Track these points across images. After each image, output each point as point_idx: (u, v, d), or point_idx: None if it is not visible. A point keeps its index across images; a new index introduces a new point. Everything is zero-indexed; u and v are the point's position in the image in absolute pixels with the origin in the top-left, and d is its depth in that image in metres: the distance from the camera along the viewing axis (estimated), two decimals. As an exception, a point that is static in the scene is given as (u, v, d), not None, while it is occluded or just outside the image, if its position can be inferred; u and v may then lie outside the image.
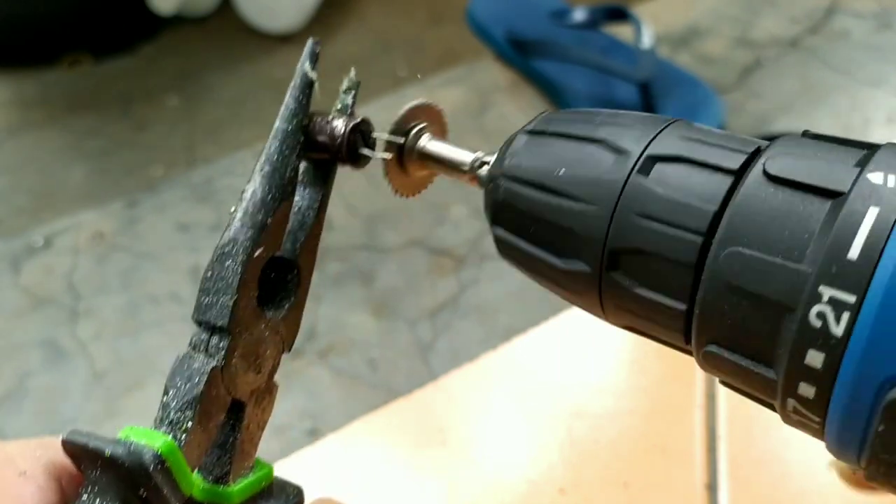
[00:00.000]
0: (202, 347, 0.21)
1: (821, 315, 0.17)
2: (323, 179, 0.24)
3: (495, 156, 0.25)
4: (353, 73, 0.24)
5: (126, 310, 0.90)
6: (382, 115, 1.01)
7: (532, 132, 0.23)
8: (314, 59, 0.24)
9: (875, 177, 0.17)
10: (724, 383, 0.21)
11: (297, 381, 0.82)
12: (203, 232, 0.98)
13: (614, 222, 0.20)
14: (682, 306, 0.20)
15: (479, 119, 1.09)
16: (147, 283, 0.93)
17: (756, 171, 0.19)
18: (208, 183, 1.04)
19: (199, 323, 0.22)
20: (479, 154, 0.25)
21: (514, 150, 0.24)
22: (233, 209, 0.22)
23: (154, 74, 1.41)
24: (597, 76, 1.07)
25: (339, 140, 0.23)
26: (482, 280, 0.90)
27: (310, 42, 0.24)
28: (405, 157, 0.25)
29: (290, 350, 0.24)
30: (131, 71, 1.42)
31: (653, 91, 1.04)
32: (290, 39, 1.45)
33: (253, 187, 0.22)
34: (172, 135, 1.27)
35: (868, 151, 0.18)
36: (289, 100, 0.24)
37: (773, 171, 0.18)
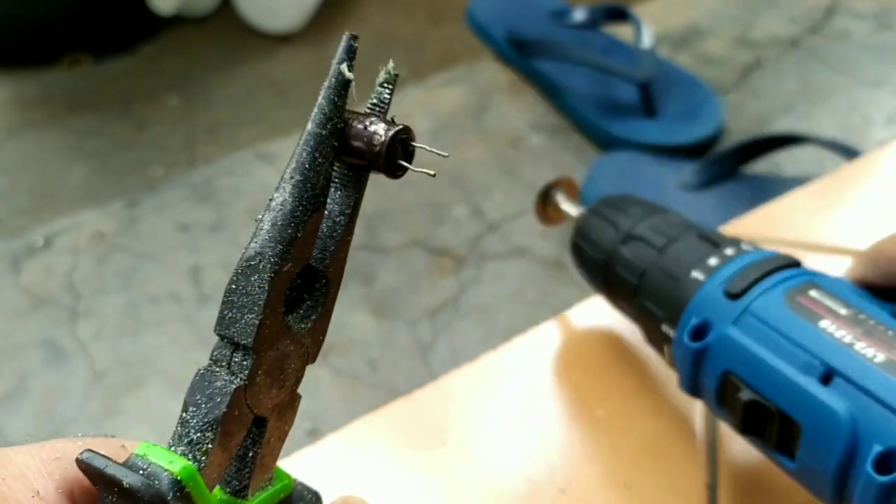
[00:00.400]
0: (224, 363, 0.20)
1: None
2: (355, 183, 0.22)
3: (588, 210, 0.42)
4: (390, 64, 0.22)
5: (126, 310, 0.90)
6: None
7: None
8: (351, 55, 0.22)
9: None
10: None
11: (297, 381, 0.82)
12: (203, 232, 0.98)
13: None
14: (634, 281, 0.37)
15: (480, 119, 1.09)
16: (147, 283, 0.93)
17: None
18: (208, 183, 1.04)
19: (222, 337, 0.20)
20: (584, 210, 0.41)
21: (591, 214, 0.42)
22: (259, 217, 0.20)
23: (154, 74, 1.41)
24: (597, 76, 1.07)
25: (378, 148, 0.21)
26: (482, 280, 0.90)
27: (345, 37, 0.21)
28: (548, 205, 0.44)
29: (314, 361, 0.22)
30: (131, 71, 1.42)
31: (653, 91, 1.04)
32: (290, 39, 1.45)
33: (282, 197, 0.20)
34: (172, 135, 1.27)
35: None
36: (322, 101, 0.21)
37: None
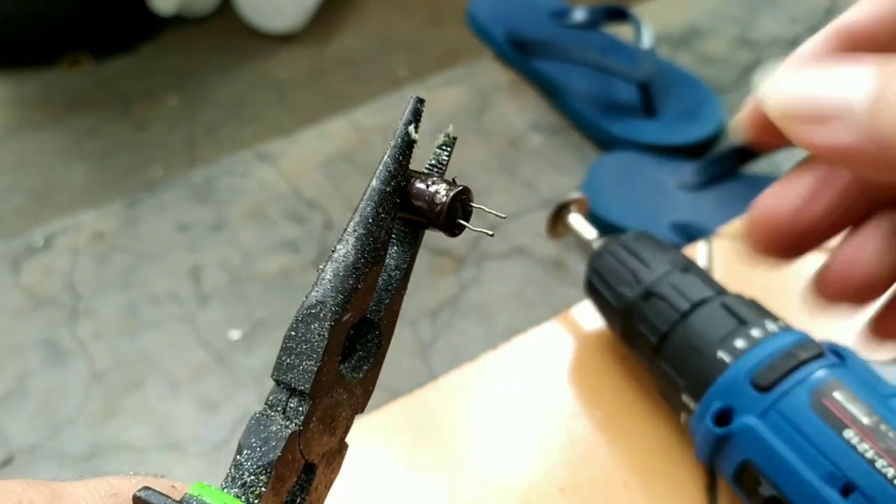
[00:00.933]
0: (280, 409, 0.21)
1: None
2: (411, 238, 0.23)
3: (604, 241, 0.42)
4: (450, 128, 0.22)
5: (126, 310, 0.90)
6: (382, 115, 1.02)
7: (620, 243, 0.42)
8: (417, 117, 0.22)
9: None
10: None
11: (297, 381, 0.82)
12: (203, 232, 0.98)
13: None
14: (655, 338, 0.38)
15: (479, 119, 1.09)
16: (147, 283, 0.93)
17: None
18: (208, 183, 1.04)
19: (279, 382, 0.21)
20: (594, 237, 0.42)
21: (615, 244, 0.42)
22: (321, 267, 0.21)
23: (154, 74, 1.41)
24: (597, 76, 1.07)
25: (438, 208, 0.21)
26: (482, 280, 0.90)
27: (412, 100, 0.22)
28: (558, 221, 0.43)
29: (363, 411, 0.23)
30: (131, 71, 1.42)
31: (653, 91, 1.04)
32: (290, 39, 1.45)
33: (345, 249, 0.21)
34: (172, 135, 1.27)
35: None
36: (388, 159, 0.21)
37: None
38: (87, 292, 0.92)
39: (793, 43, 1.17)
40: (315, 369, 0.20)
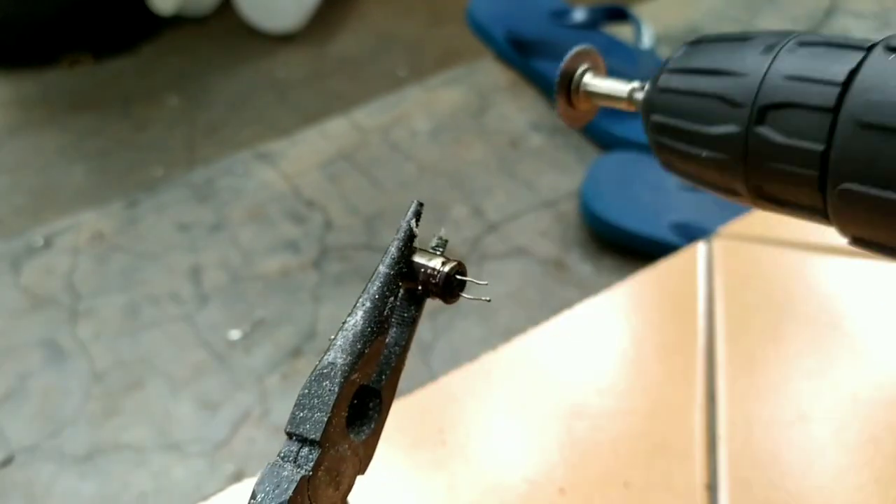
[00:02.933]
0: (291, 458, 0.23)
1: None
2: (414, 308, 0.27)
3: (647, 84, 0.29)
4: (443, 232, 0.28)
5: (126, 310, 0.90)
6: (382, 115, 1.02)
7: (677, 62, 0.28)
8: (418, 217, 0.27)
9: None
10: (856, 240, 0.24)
11: (298, 381, 0.82)
12: (203, 232, 0.98)
13: (764, 84, 0.24)
14: (820, 147, 0.22)
15: (479, 119, 1.09)
16: (147, 283, 0.93)
17: (879, 48, 0.23)
18: (208, 183, 1.04)
19: (291, 435, 0.23)
20: (635, 84, 0.30)
21: (663, 77, 0.28)
22: (332, 337, 0.24)
23: (154, 74, 1.41)
24: (597, 76, 1.07)
25: (436, 280, 0.26)
26: (482, 280, 0.90)
27: (414, 203, 0.27)
28: (572, 94, 0.30)
29: (364, 472, 0.26)
30: (131, 71, 1.42)
31: (653, 91, 1.04)
32: (290, 39, 1.45)
33: (354, 320, 0.24)
34: (172, 135, 1.27)
35: None
36: (393, 249, 0.26)
37: (893, 44, 0.22)
38: (87, 292, 0.92)
39: (793, 43, 1.17)
40: (325, 419, 0.23)
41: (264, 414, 0.79)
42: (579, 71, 0.31)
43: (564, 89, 0.31)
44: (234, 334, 0.87)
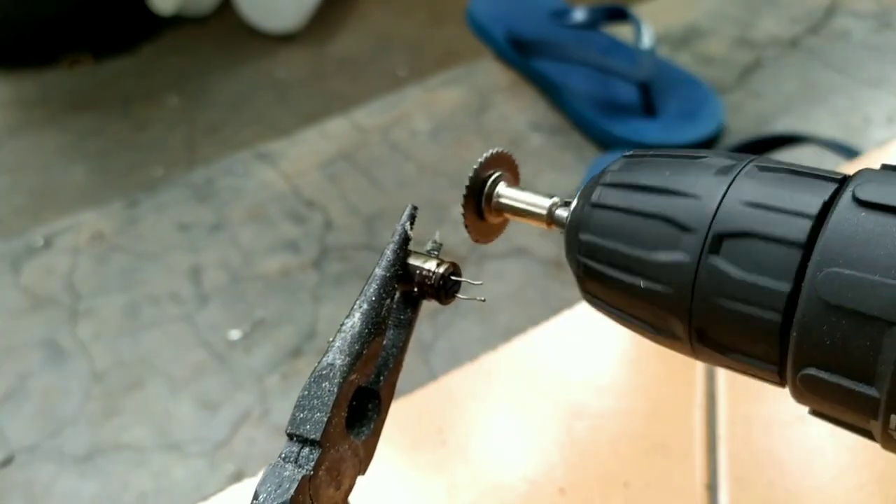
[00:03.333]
0: (292, 459, 0.23)
1: None
2: (410, 310, 0.27)
3: (574, 201, 0.25)
4: (437, 235, 0.28)
5: (126, 310, 0.90)
6: (382, 115, 1.02)
7: (613, 178, 0.24)
8: (412, 220, 0.27)
9: None
10: (815, 413, 0.21)
11: (298, 381, 0.82)
12: (203, 232, 0.98)
13: (721, 208, 0.21)
14: (786, 287, 0.20)
15: (479, 119, 1.09)
16: (147, 283, 0.93)
17: (846, 199, 0.19)
18: (208, 183, 1.04)
19: (292, 436, 0.24)
20: (556, 199, 0.26)
21: (596, 194, 0.24)
22: (331, 339, 0.25)
23: (154, 74, 1.41)
24: (597, 76, 1.07)
25: (431, 282, 0.26)
26: (482, 280, 0.90)
27: (409, 207, 0.27)
28: (483, 205, 0.27)
29: (364, 473, 0.26)
30: (131, 71, 1.42)
31: (653, 91, 1.04)
32: (290, 39, 1.45)
33: (352, 322, 0.25)
34: (172, 135, 1.27)
35: None
36: (388, 252, 0.26)
37: (863, 196, 0.19)
38: (87, 292, 0.92)
39: (793, 43, 1.17)
40: (325, 419, 0.23)
41: (264, 414, 0.79)
42: (492, 179, 0.27)
43: (474, 200, 0.26)
44: (234, 334, 0.87)
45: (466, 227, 0.26)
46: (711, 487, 0.37)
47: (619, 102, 1.06)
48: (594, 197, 0.23)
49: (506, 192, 0.27)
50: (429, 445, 0.39)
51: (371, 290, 0.26)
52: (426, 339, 0.84)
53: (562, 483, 0.37)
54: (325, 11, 1.48)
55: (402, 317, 0.27)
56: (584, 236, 0.23)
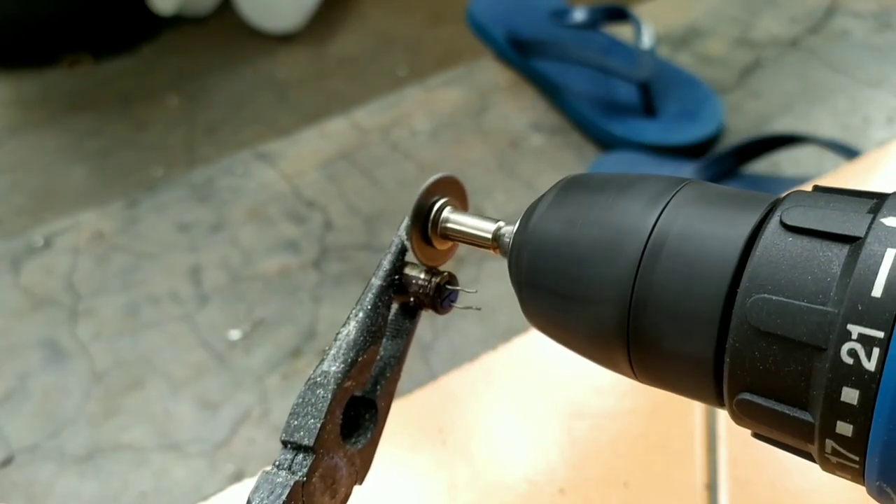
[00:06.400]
0: (286, 466, 0.24)
1: (852, 352, 0.17)
2: (409, 320, 0.28)
3: (517, 224, 0.25)
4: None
5: (126, 310, 0.90)
6: (382, 115, 1.02)
7: (554, 198, 0.24)
8: (408, 231, 0.27)
9: (888, 221, 0.18)
10: (756, 435, 0.21)
11: (298, 381, 0.82)
12: (203, 232, 0.98)
13: (637, 284, 0.21)
14: (709, 355, 0.20)
15: (479, 119, 1.09)
16: (147, 283, 0.93)
17: (774, 224, 0.20)
18: (208, 183, 1.04)
19: (286, 444, 0.24)
20: (501, 224, 0.26)
21: (535, 218, 0.24)
22: (327, 348, 0.25)
23: (154, 74, 1.41)
24: (597, 76, 1.07)
25: (426, 291, 0.27)
26: (482, 280, 0.90)
27: (406, 218, 0.27)
28: (430, 230, 0.26)
29: (361, 482, 0.26)
30: (131, 71, 1.42)
31: (653, 91, 1.04)
32: (290, 39, 1.45)
33: (347, 330, 0.25)
34: (172, 135, 1.27)
35: (878, 200, 0.19)
36: (385, 262, 0.27)
37: (790, 221, 0.19)
38: (87, 292, 0.92)
39: (793, 43, 1.17)
40: (319, 426, 0.23)
41: (264, 414, 0.79)
42: (438, 205, 0.26)
43: (420, 225, 0.26)
44: (234, 334, 0.87)
45: (414, 252, 0.26)
46: (711, 487, 0.37)
47: (619, 102, 1.06)
48: (531, 224, 0.24)
49: (452, 218, 0.26)
50: (429, 445, 0.39)
51: (367, 298, 0.26)
52: (426, 339, 0.84)
53: (562, 483, 0.37)
54: (325, 11, 1.48)
55: (400, 327, 0.28)
56: (523, 262, 0.24)
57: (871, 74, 1.10)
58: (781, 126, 1.05)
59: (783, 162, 1.00)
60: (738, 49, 1.17)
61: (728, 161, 0.95)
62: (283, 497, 0.23)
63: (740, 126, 1.06)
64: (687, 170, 0.96)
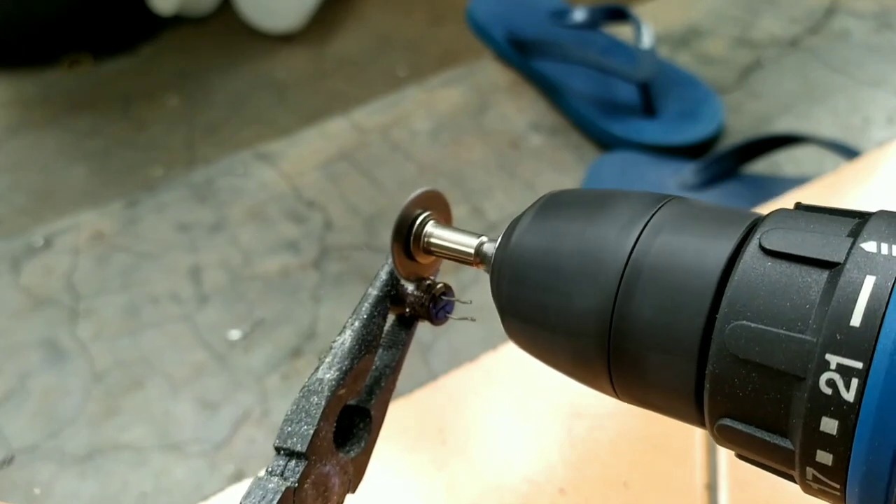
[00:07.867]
0: (279, 472, 0.24)
1: (830, 383, 0.17)
2: (404, 332, 0.28)
3: (498, 241, 0.24)
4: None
5: (126, 310, 0.90)
6: (382, 115, 1.02)
7: (534, 217, 0.24)
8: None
9: (868, 246, 0.18)
10: (740, 457, 0.21)
11: (298, 381, 0.82)
12: (203, 232, 0.98)
13: (616, 315, 0.20)
14: (690, 381, 0.20)
15: (479, 119, 1.09)
16: (147, 283, 0.93)
17: (753, 247, 0.19)
18: (208, 183, 1.04)
19: (279, 450, 0.24)
20: (483, 240, 0.25)
21: (515, 239, 0.24)
22: (323, 356, 0.25)
23: (154, 74, 1.41)
24: (597, 76, 1.07)
25: (422, 303, 0.27)
26: (482, 280, 0.90)
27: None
28: (412, 244, 0.26)
29: (354, 491, 0.26)
30: (131, 71, 1.42)
31: (653, 91, 1.04)
32: (290, 39, 1.45)
33: (343, 339, 0.25)
34: (172, 135, 1.27)
35: (860, 220, 0.19)
36: (382, 273, 0.27)
37: (769, 245, 0.19)
38: (87, 292, 0.92)
39: (793, 43, 1.17)
40: (311, 432, 0.24)
41: (264, 414, 0.79)
42: (420, 219, 0.26)
43: (402, 239, 0.26)
44: (234, 334, 0.87)
45: (395, 267, 0.26)
46: (711, 487, 0.37)
47: (619, 102, 1.06)
48: (511, 246, 0.23)
49: (434, 232, 0.26)
50: (429, 445, 0.39)
51: (363, 308, 0.26)
52: (426, 339, 0.85)
53: (562, 483, 0.37)
54: (325, 11, 1.48)
55: (396, 338, 0.28)
56: (503, 288, 0.24)
57: (871, 74, 1.10)
58: (781, 126, 1.05)
59: (783, 162, 0.99)
60: (738, 49, 1.17)
61: (728, 161, 0.95)
62: (275, 503, 0.23)
63: (740, 126, 1.06)
64: (687, 170, 0.96)
